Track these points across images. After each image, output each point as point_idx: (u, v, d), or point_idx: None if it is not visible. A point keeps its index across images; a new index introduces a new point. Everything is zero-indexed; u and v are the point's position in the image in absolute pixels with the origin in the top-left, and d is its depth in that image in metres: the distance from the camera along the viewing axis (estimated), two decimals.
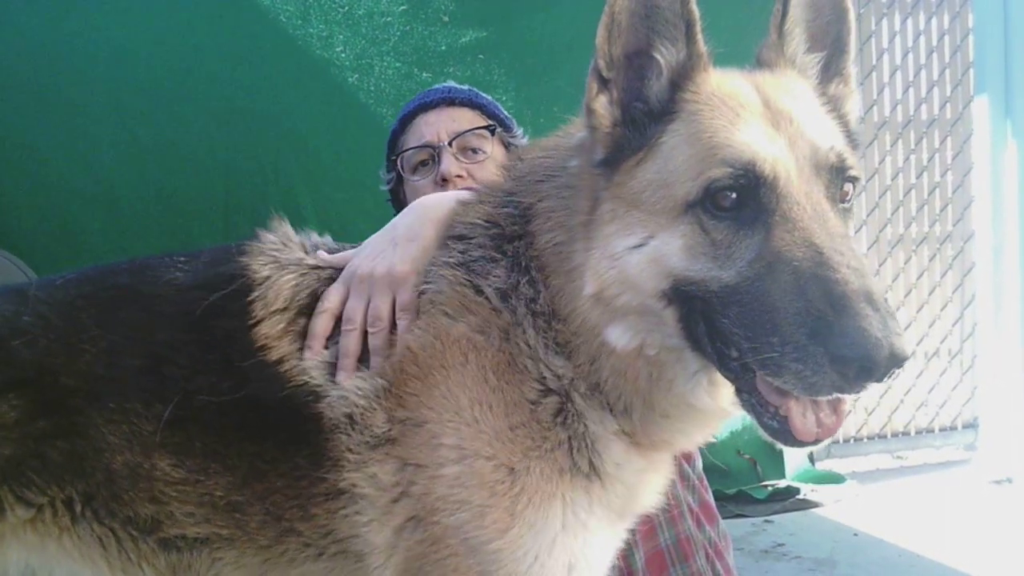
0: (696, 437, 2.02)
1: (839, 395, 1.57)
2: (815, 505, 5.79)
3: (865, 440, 6.88)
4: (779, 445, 1.70)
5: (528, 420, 1.85)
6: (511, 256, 1.94)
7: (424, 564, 1.84)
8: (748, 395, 1.70)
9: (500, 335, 1.89)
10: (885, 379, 1.51)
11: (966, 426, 7.01)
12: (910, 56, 6.93)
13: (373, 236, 2.16)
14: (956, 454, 6.98)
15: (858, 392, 1.55)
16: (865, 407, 6.81)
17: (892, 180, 6.88)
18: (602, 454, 1.89)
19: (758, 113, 1.75)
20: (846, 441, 6.82)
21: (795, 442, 1.65)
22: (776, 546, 5.07)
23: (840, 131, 1.89)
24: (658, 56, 1.78)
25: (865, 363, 1.48)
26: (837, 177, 1.75)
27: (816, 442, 1.66)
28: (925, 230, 6.97)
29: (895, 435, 6.96)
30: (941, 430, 7.02)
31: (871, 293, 1.53)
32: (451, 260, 1.97)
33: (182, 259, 2.10)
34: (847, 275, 1.55)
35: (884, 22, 6.86)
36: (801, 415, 1.64)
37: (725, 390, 1.84)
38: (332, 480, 1.89)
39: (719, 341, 1.70)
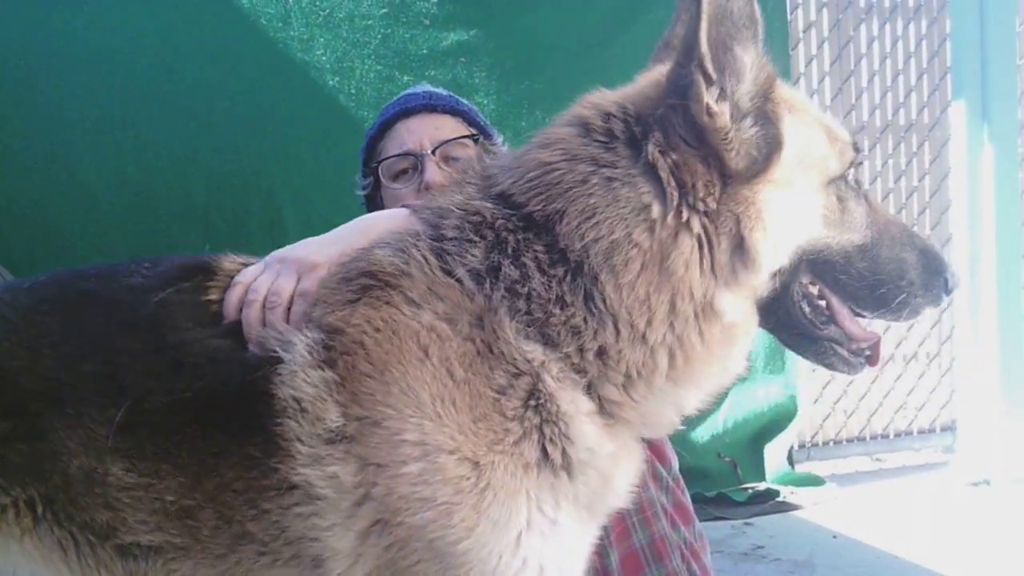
0: (700, 402, 2.04)
1: (934, 307, 2.10)
2: (795, 507, 5.81)
3: (844, 443, 6.91)
4: (853, 374, 2.14)
5: (491, 411, 1.81)
6: (495, 240, 1.90)
7: (393, 572, 1.79)
8: (829, 343, 2.04)
9: (471, 321, 1.85)
10: None
11: (944, 429, 7.05)
12: (888, 61, 6.98)
13: (312, 237, 2.21)
14: (934, 456, 7.02)
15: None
16: (844, 410, 6.85)
17: (870, 184, 6.91)
18: (574, 440, 1.85)
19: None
20: (825, 444, 6.86)
21: (872, 365, 2.08)
22: (755, 548, 5.09)
23: None
24: (743, 58, 1.85)
25: (954, 286, 2.07)
26: None
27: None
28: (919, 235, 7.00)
29: (874, 438, 7.00)
30: (920, 433, 7.06)
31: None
32: (420, 242, 1.93)
33: (147, 264, 2.10)
34: (925, 240, 2.14)
35: (862, 27, 6.90)
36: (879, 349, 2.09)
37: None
38: (284, 472, 1.81)
39: (811, 303, 2.01)
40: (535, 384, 1.84)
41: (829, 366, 2.07)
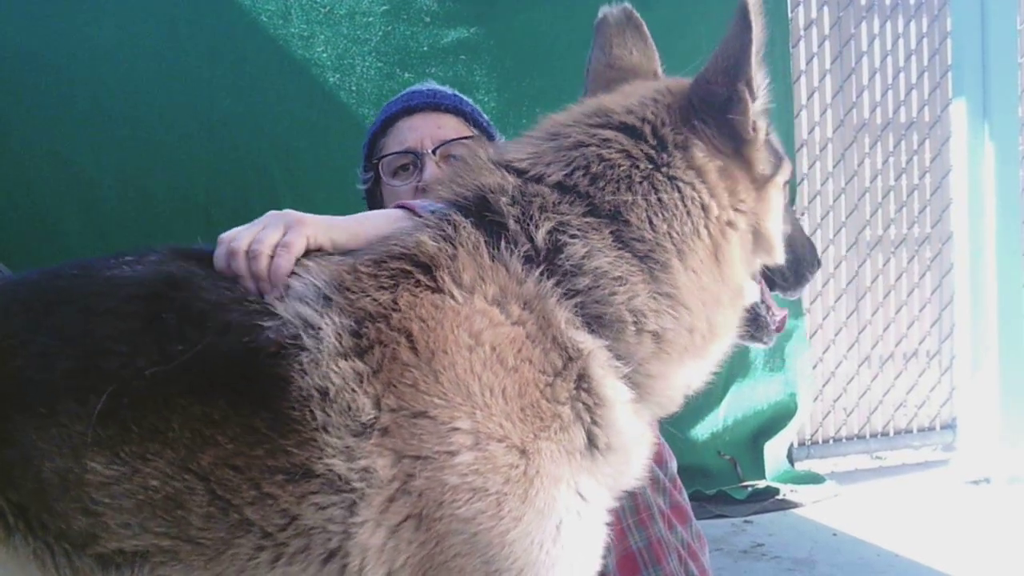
0: (702, 378, 2.22)
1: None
2: (794, 505, 5.81)
3: (844, 441, 6.90)
4: (768, 345, 2.43)
5: (540, 398, 1.82)
6: (557, 225, 1.93)
7: (429, 569, 1.76)
8: (764, 318, 2.32)
9: (520, 305, 1.86)
10: None
11: (944, 427, 7.05)
12: (889, 59, 6.97)
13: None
14: (934, 455, 7.02)
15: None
16: (844, 408, 6.85)
17: (871, 182, 6.92)
18: (612, 425, 1.90)
19: None
20: (825, 442, 6.85)
21: (778, 332, 2.39)
22: (755, 546, 5.09)
23: None
24: (761, 78, 2.08)
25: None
26: None
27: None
28: (904, 232, 7.01)
29: (874, 436, 6.99)
30: (920, 431, 7.06)
31: None
32: (465, 225, 1.92)
33: (129, 257, 2.00)
34: None
35: (863, 25, 6.89)
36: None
37: None
38: (301, 458, 1.75)
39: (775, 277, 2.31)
40: (584, 370, 1.87)
41: (757, 339, 2.35)
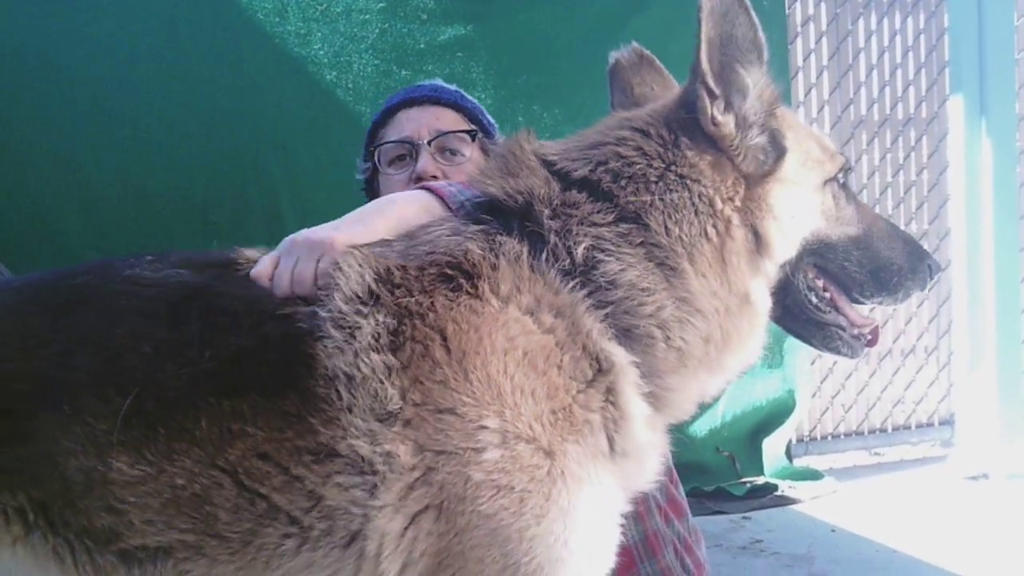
0: (718, 386, 2.23)
1: (920, 291, 2.34)
2: (793, 501, 5.83)
3: (842, 437, 6.92)
4: (855, 357, 2.32)
5: (571, 404, 1.88)
6: (594, 227, 2.00)
7: (445, 559, 1.80)
8: (835, 328, 2.27)
9: (553, 314, 1.92)
10: None
11: (942, 423, 7.06)
12: (886, 55, 6.98)
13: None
14: (933, 450, 7.03)
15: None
16: (842, 404, 6.86)
17: (868, 178, 6.93)
18: (633, 435, 1.96)
19: None
20: (824, 438, 6.86)
21: (871, 346, 2.32)
22: (754, 542, 5.10)
23: None
24: (745, 76, 2.09)
25: (936, 270, 2.34)
26: None
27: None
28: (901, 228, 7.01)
29: (872, 432, 7.01)
30: (918, 426, 7.07)
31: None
32: (510, 234, 1.99)
33: (149, 258, 2.04)
34: (907, 232, 2.39)
35: (860, 21, 6.90)
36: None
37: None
38: (327, 437, 1.80)
39: (813, 291, 2.23)
40: (613, 384, 1.93)
41: (834, 350, 2.28)
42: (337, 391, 1.81)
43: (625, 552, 2.79)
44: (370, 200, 3.25)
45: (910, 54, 7.02)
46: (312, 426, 1.81)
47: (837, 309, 2.25)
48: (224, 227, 4.92)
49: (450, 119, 3.24)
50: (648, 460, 2.07)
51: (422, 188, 2.27)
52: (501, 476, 1.79)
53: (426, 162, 3.11)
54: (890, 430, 7.04)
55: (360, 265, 1.95)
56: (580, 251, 1.96)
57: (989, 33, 6.29)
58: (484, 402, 1.81)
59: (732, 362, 2.14)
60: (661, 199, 2.03)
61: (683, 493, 3.11)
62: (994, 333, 6.32)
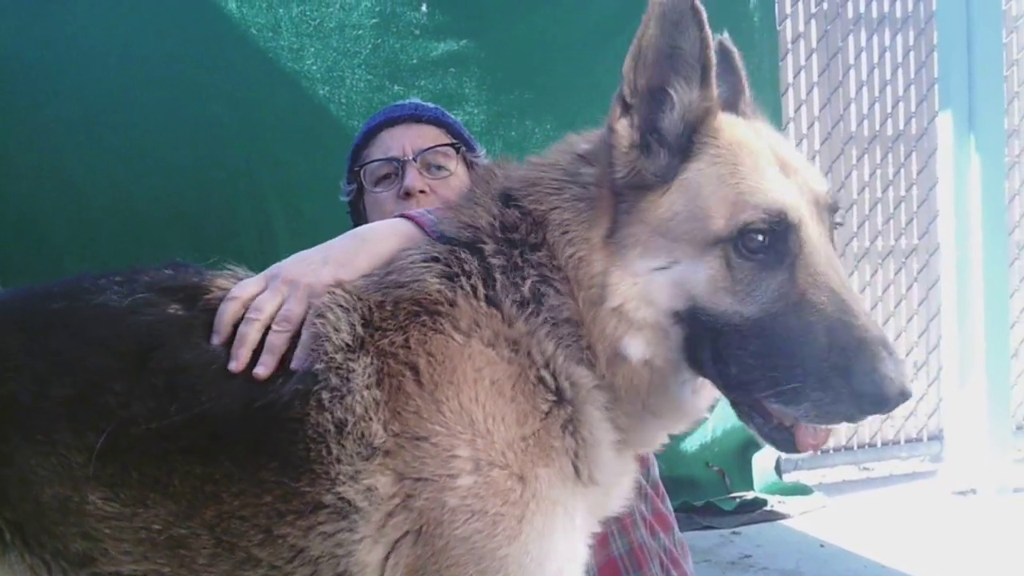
0: (673, 429, 2.13)
1: (848, 423, 1.79)
2: (782, 516, 5.83)
3: (831, 452, 6.92)
4: (779, 452, 1.87)
5: (539, 430, 1.89)
6: (533, 265, 1.97)
7: (424, 574, 1.82)
8: (749, 407, 1.88)
9: (509, 347, 1.91)
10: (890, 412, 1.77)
11: (931, 438, 7.09)
12: (876, 72, 7.04)
13: (306, 251, 2.17)
14: (921, 466, 7.06)
15: (861, 421, 1.80)
16: None
17: (858, 194, 6.97)
18: (598, 462, 1.95)
19: (772, 161, 1.91)
20: (813, 453, 6.86)
21: (794, 450, 1.88)
22: (743, 557, 5.10)
23: None
24: (674, 93, 1.90)
25: (880, 399, 1.70)
26: (831, 219, 1.96)
27: (812, 450, 1.90)
28: (891, 243, 7.06)
29: (861, 447, 7.04)
30: (907, 442, 7.11)
31: (885, 339, 1.76)
32: (466, 266, 1.98)
33: (118, 279, 2.01)
34: (866, 321, 1.77)
35: (850, 39, 6.95)
36: (804, 430, 1.85)
37: (705, 395, 2.03)
38: (312, 494, 1.80)
39: (723, 364, 1.85)
40: (579, 407, 1.93)
41: (756, 436, 1.92)
42: (327, 446, 1.81)
43: (610, 564, 2.80)
44: (355, 222, 3.28)
45: (899, 71, 7.08)
46: (296, 488, 1.81)
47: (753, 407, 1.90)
48: (215, 238, 4.91)
49: (433, 135, 3.26)
50: (618, 487, 2.09)
51: (402, 217, 2.27)
52: (475, 501, 1.81)
53: (413, 178, 3.12)
54: (879, 445, 7.07)
55: (346, 311, 1.95)
56: (527, 286, 1.94)
57: (978, 50, 6.33)
58: (456, 431, 1.83)
59: (660, 410, 2.00)
60: (557, 237, 1.98)
61: (670, 507, 3.12)
62: (983, 348, 6.35)
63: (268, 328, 1.95)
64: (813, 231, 1.84)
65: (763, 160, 1.90)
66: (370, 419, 1.83)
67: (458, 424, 1.84)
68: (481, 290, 1.95)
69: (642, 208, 1.90)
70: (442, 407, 1.84)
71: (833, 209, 1.96)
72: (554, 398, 1.91)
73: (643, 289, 1.87)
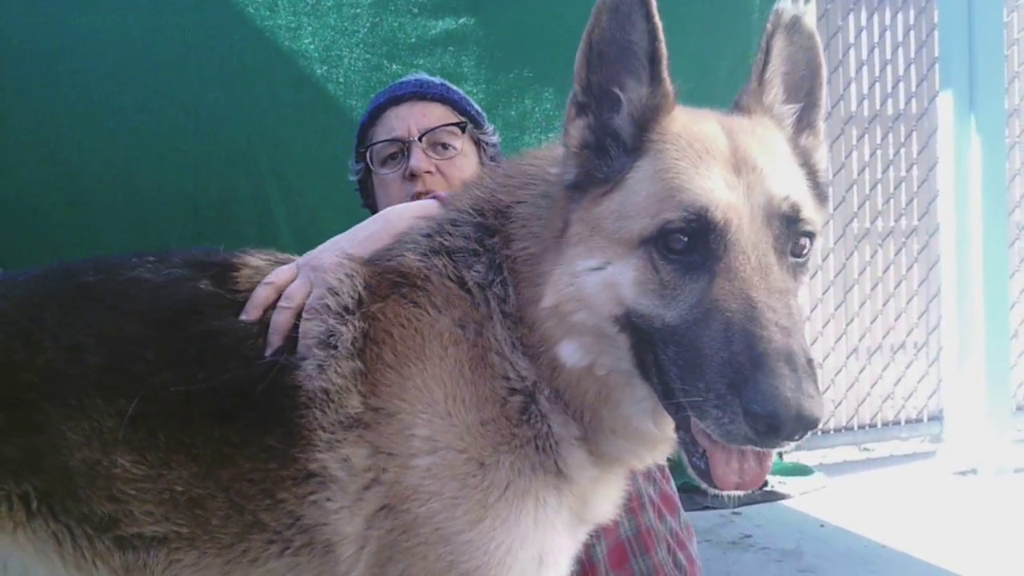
0: (644, 457, 2.07)
1: (753, 447, 1.62)
2: (782, 497, 5.84)
3: (832, 432, 6.93)
4: (703, 486, 1.73)
5: (498, 415, 1.89)
6: (489, 251, 1.99)
7: (394, 553, 1.84)
8: (684, 432, 1.75)
9: (476, 329, 1.93)
10: (795, 439, 1.57)
11: (931, 418, 7.09)
12: (876, 51, 7.00)
13: (337, 236, 2.25)
14: (922, 446, 7.06)
15: (771, 447, 1.64)
16: (832, 399, 6.87)
17: (858, 175, 6.95)
18: (566, 457, 1.94)
19: (721, 158, 1.79)
20: (813, 433, 6.85)
21: (713, 486, 1.71)
22: (743, 537, 5.11)
23: (807, 183, 1.92)
24: (620, 92, 1.84)
25: (772, 420, 1.52)
26: (789, 228, 1.77)
27: (737, 490, 1.71)
28: (891, 224, 7.04)
29: (862, 427, 7.04)
30: (907, 422, 7.10)
31: (792, 354, 1.58)
32: (443, 244, 2.02)
33: (151, 258, 2.10)
34: (772, 333, 1.59)
35: (850, 18, 6.91)
36: (724, 463, 1.70)
37: (670, 419, 1.85)
38: (303, 460, 1.87)
39: (660, 372, 1.75)
40: (530, 400, 1.92)
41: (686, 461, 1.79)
42: (314, 413, 1.88)
43: (619, 547, 2.80)
44: (364, 201, 3.28)
45: (900, 50, 7.04)
46: (292, 455, 1.88)
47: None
48: (213, 219, 4.90)
49: (438, 113, 3.24)
50: (594, 492, 2.05)
51: (433, 198, 2.33)
52: (433, 482, 1.83)
53: (418, 158, 3.10)
54: (879, 425, 7.07)
55: (350, 276, 2.01)
56: (483, 271, 1.97)
57: (978, 29, 6.31)
58: (417, 409, 1.86)
59: (617, 429, 1.95)
60: (515, 230, 2.03)
61: (675, 488, 3.11)
62: (983, 329, 6.35)
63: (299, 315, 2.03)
64: (746, 235, 1.70)
65: (708, 156, 1.78)
66: (350, 389, 1.88)
67: (419, 402, 1.86)
68: (451, 269, 1.98)
69: (586, 207, 1.85)
70: (407, 383, 1.87)
71: (791, 219, 1.76)
72: (507, 386, 1.91)
73: (577, 290, 1.81)
